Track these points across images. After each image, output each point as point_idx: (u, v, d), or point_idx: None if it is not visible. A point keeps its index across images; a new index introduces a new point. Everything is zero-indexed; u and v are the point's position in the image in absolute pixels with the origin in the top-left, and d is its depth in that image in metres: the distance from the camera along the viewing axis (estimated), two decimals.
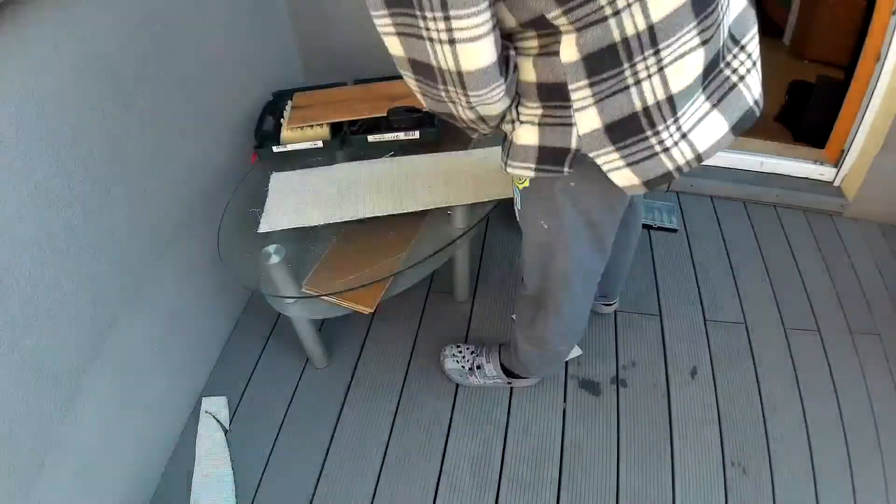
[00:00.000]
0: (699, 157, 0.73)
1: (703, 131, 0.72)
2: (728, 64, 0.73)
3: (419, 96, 0.73)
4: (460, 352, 1.53)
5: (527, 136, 0.74)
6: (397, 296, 1.35)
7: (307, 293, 1.27)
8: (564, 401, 1.49)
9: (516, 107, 0.74)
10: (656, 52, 0.64)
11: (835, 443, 1.40)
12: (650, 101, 0.67)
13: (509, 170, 0.80)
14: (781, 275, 1.79)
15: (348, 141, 1.50)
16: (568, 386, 1.52)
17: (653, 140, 0.70)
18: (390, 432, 1.44)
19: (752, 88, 0.76)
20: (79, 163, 1.05)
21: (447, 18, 0.58)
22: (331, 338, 1.64)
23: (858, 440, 1.41)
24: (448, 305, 1.72)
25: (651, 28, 0.62)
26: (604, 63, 0.64)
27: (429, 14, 0.58)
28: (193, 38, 1.36)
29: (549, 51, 0.66)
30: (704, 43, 0.66)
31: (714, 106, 0.73)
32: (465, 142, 1.51)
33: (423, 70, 0.66)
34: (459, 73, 0.64)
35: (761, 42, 0.80)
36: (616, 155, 0.71)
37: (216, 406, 1.50)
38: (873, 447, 1.40)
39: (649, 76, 0.66)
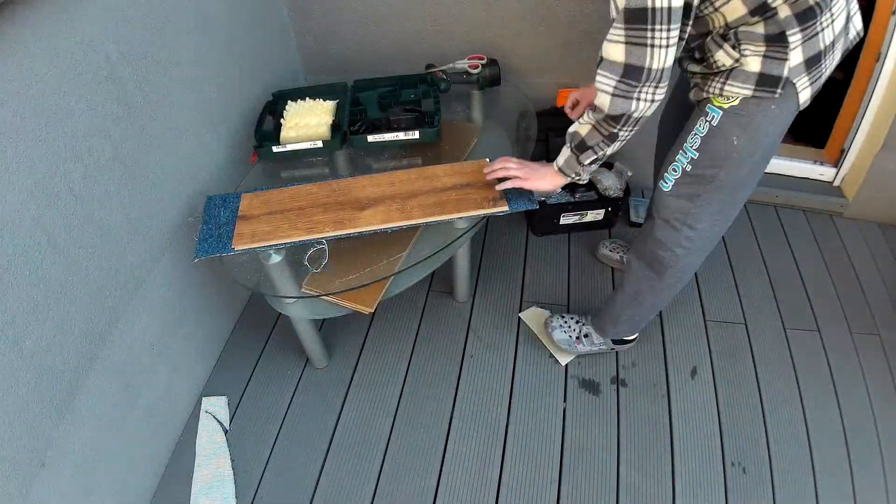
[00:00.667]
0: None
1: (834, 60, 1.05)
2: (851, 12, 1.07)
3: (606, 97, 0.99)
4: (566, 322, 1.59)
5: (752, 64, 1.00)
6: (397, 296, 1.35)
7: (307, 293, 1.27)
8: (564, 401, 1.49)
9: (739, 47, 1.00)
10: (830, 10, 0.97)
11: (835, 442, 1.40)
12: (827, 42, 1.00)
13: (727, 88, 1.03)
14: (781, 275, 1.79)
15: (348, 141, 1.50)
16: (568, 386, 1.52)
17: (822, 68, 1.02)
18: (390, 432, 1.45)
19: (855, 24, 1.08)
20: (79, 163, 1.05)
21: (670, 30, 0.88)
22: (331, 338, 1.64)
23: (858, 440, 1.41)
24: (448, 305, 1.72)
25: None
26: (807, 17, 0.95)
27: (658, 27, 0.87)
28: (193, 39, 1.36)
29: (769, 16, 0.96)
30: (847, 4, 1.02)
31: (842, 44, 1.06)
32: (462, 147, 1.51)
33: (632, 72, 0.93)
34: (662, 70, 0.93)
35: None
36: (806, 78, 1.01)
37: (216, 406, 1.51)
38: (873, 447, 1.40)
39: (828, 25, 0.99)
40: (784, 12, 0.95)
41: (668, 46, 0.90)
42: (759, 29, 0.98)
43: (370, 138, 1.48)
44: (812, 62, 1.00)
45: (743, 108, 1.05)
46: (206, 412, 1.49)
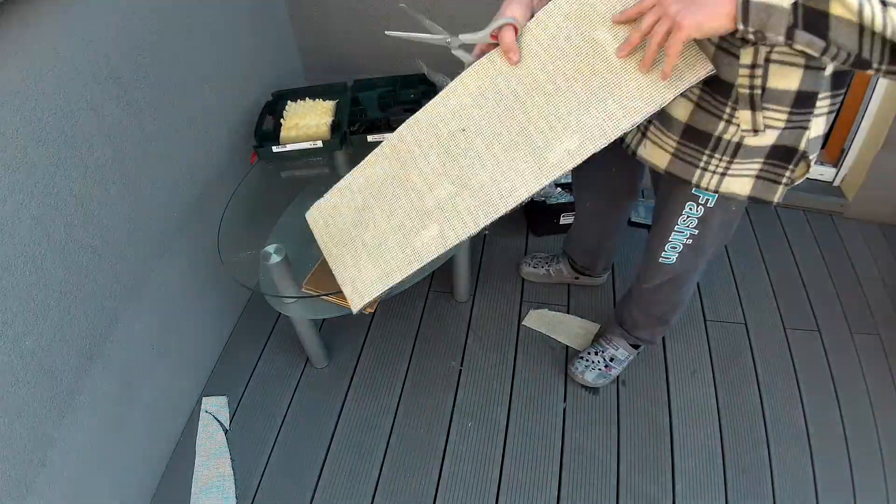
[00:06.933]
0: None
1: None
2: None
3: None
4: (588, 358, 1.50)
5: (766, 136, 0.82)
6: (397, 296, 1.35)
7: (307, 293, 1.27)
8: (564, 401, 1.49)
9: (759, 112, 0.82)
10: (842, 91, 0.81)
11: (835, 443, 1.40)
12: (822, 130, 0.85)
13: (732, 171, 0.87)
14: (781, 275, 1.79)
15: (348, 141, 1.50)
16: (568, 386, 1.52)
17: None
18: (390, 432, 1.45)
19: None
20: (79, 163, 1.05)
21: None
22: (331, 338, 1.64)
23: (858, 440, 1.41)
24: (448, 305, 1.72)
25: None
26: (841, 81, 0.78)
27: None
28: (193, 39, 1.36)
29: (813, 65, 0.74)
30: None
31: None
32: None
33: None
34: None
35: None
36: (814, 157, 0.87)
37: (216, 406, 1.51)
38: (873, 447, 1.40)
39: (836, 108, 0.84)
40: (828, 66, 0.75)
41: None
42: (793, 83, 0.76)
43: (370, 138, 1.48)
44: (822, 142, 0.85)
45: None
46: (206, 412, 1.49)
